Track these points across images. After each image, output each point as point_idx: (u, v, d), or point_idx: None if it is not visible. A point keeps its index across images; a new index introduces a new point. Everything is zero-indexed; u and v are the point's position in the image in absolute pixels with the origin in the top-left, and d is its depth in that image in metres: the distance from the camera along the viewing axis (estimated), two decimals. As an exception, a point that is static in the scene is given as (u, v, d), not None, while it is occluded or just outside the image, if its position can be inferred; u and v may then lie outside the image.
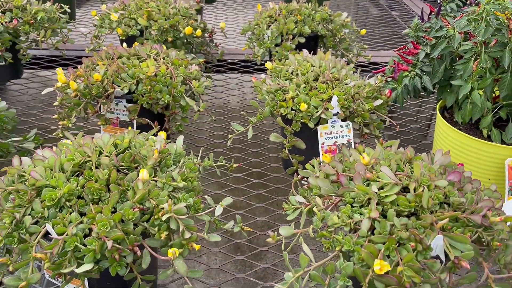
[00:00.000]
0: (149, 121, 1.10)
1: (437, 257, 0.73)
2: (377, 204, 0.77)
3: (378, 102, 1.17)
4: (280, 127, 1.22)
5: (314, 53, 1.46)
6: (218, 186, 1.34)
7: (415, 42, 1.26)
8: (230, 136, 1.17)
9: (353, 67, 1.32)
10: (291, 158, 1.14)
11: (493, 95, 1.16)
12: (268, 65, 1.34)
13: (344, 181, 0.82)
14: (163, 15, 1.60)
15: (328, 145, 1.17)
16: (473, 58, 1.09)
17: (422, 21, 1.29)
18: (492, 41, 1.08)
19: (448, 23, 1.15)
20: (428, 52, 1.19)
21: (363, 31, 1.81)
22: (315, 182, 0.86)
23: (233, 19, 2.75)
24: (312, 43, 1.72)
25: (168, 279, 1.00)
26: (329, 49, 1.74)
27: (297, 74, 1.25)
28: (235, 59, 2.02)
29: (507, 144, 1.10)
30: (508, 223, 0.77)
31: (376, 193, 0.78)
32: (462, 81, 1.10)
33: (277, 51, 1.61)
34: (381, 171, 0.80)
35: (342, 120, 1.17)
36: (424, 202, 0.74)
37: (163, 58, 1.27)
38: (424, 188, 0.76)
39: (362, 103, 1.16)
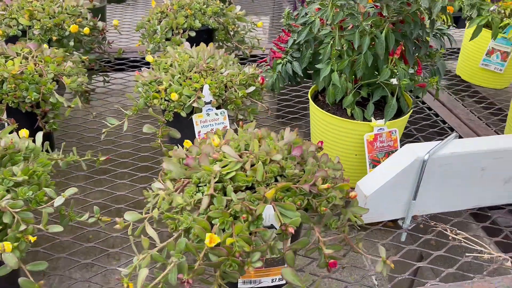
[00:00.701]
0: (7, 120, 1.07)
1: (272, 226, 0.77)
2: (220, 181, 0.80)
3: (251, 89, 1.21)
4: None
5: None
6: (103, 181, 1.32)
7: (287, 30, 1.32)
8: (104, 130, 1.16)
9: (247, 58, 1.34)
10: (163, 148, 1.15)
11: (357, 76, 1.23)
12: (149, 58, 1.34)
13: (191, 163, 0.85)
14: (47, 14, 1.56)
15: (204, 133, 1.19)
16: (331, 42, 1.16)
17: (295, 9, 1.35)
18: (349, 25, 1.15)
19: (311, 10, 1.21)
20: (295, 38, 1.25)
21: (260, 24, 1.86)
22: (167, 166, 0.87)
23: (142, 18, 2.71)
24: (205, 36, 1.74)
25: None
26: (223, 42, 1.77)
27: (175, 66, 1.26)
28: (138, 57, 2.00)
29: (368, 121, 1.17)
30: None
31: (219, 171, 0.81)
32: (323, 64, 1.16)
33: (167, 46, 1.61)
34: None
35: (217, 108, 1.20)
36: (258, 176, 0.78)
37: (36, 57, 1.23)
38: (259, 163, 0.80)
39: (236, 91, 1.20)
